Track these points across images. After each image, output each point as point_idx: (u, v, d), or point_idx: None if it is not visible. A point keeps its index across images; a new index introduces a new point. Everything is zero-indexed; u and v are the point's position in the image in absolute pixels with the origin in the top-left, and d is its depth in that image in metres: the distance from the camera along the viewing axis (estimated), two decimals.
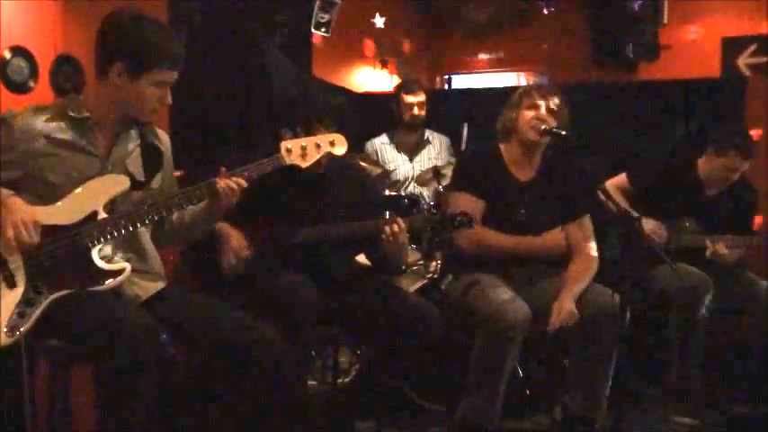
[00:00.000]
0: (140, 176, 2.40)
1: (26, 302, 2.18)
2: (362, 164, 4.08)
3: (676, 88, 5.01)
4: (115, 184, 2.33)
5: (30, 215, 2.18)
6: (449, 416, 3.23)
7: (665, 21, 6.06)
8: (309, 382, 3.44)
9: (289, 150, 2.45)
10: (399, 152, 4.84)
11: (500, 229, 3.14)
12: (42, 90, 3.22)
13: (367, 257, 3.18)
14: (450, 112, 5.03)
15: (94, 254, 2.25)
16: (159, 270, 2.49)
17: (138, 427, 2.12)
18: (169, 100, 2.37)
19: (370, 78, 5.98)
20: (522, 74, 6.98)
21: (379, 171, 4.43)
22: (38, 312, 2.17)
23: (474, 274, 3.10)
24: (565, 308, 2.94)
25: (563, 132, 3.08)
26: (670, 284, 3.52)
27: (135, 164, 2.40)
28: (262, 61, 4.45)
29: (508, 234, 3.14)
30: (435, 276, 3.93)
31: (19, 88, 3.16)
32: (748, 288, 3.75)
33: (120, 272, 2.28)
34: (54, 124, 2.31)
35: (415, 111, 4.76)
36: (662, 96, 4.98)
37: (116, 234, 2.27)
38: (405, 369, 3.26)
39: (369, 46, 5.93)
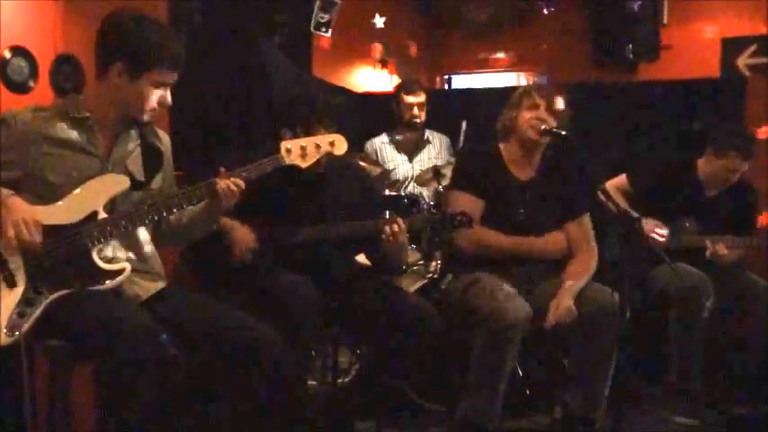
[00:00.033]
0: (140, 176, 2.40)
1: (26, 302, 2.18)
2: (362, 164, 4.08)
3: (676, 88, 5.01)
4: (115, 184, 2.33)
5: (30, 215, 2.18)
6: (449, 416, 3.23)
7: (665, 21, 6.06)
8: (309, 382, 3.43)
9: (288, 150, 2.45)
10: (399, 152, 4.83)
11: (500, 229, 3.14)
12: (42, 90, 3.22)
13: (367, 257, 3.18)
14: (450, 112, 5.02)
15: (94, 254, 2.26)
16: (159, 270, 2.49)
17: (138, 427, 2.12)
18: (169, 101, 2.37)
19: (370, 78, 5.97)
20: (522, 74, 6.98)
21: (378, 171, 4.43)
22: (38, 312, 2.17)
23: (474, 273, 3.10)
24: (563, 304, 2.95)
25: (563, 132, 3.08)
26: (670, 284, 3.52)
27: (135, 164, 2.40)
28: (262, 61, 4.44)
29: (508, 234, 3.14)
30: (435, 276, 3.93)
31: (19, 88, 3.16)
32: (748, 288, 3.75)
33: (120, 272, 2.28)
34: (54, 124, 2.31)
35: (415, 111, 4.75)
36: (662, 96, 4.98)
37: (116, 234, 2.28)
38: (405, 369, 3.26)
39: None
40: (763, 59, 5.80)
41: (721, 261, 3.71)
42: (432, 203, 4.22)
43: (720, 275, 3.64)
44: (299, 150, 2.46)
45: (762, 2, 5.79)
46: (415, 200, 4.29)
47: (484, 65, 6.95)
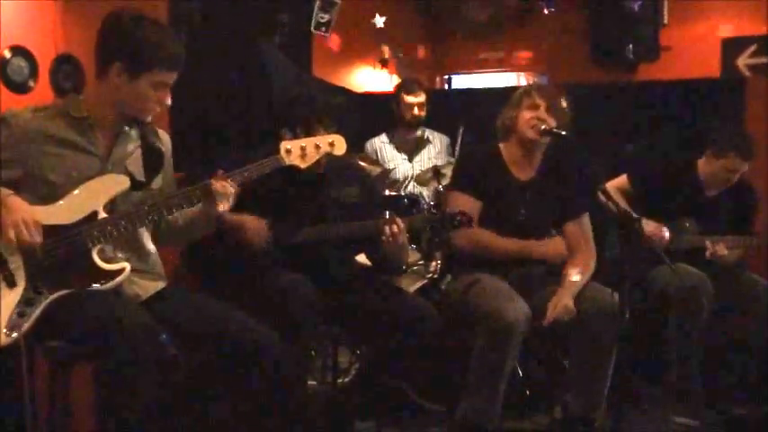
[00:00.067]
0: (141, 177, 2.40)
1: (26, 302, 2.18)
2: (362, 164, 4.08)
3: (676, 88, 5.01)
4: (115, 184, 2.33)
5: (30, 215, 2.18)
6: (449, 416, 3.22)
7: (665, 21, 6.07)
8: (309, 382, 3.43)
9: (288, 151, 2.45)
10: (399, 152, 4.83)
11: (500, 229, 3.14)
12: (42, 90, 3.21)
13: (367, 257, 3.18)
14: (450, 112, 5.03)
15: (94, 254, 2.26)
16: (159, 270, 2.49)
17: (138, 427, 2.12)
18: (168, 101, 2.37)
19: (370, 78, 5.97)
20: (522, 74, 6.98)
21: (378, 171, 4.43)
22: (38, 312, 2.17)
23: (474, 273, 3.10)
24: (561, 302, 2.95)
25: (563, 132, 3.08)
26: (670, 284, 3.52)
27: (135, 164, 2.40)
28: (262, 61, 4.44)
29: (508, 233, 3.14)
30: (435, 276, 3.93)
31: (19, 88, 3.16)
32: (748, 288, 3.74)
33: (120, 272, 2.28)
34: (54, 124, 2.31)
35: (415, 111, 4.76)
36: (662, 96, 4.98)
37: (116, 234, 2.27)
38: (405, 369, 3.26)
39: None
40: (763, 59, 5.80)
41: (721, 261, 3.71)
42: (432, 203, 4.22)
43: (720, 275, 3.64)
44: (299, 151, 2.46)
45: (762, 2, 5.79)
46: (414, 200, 4.29)
47: (484, 65, 6.96)
